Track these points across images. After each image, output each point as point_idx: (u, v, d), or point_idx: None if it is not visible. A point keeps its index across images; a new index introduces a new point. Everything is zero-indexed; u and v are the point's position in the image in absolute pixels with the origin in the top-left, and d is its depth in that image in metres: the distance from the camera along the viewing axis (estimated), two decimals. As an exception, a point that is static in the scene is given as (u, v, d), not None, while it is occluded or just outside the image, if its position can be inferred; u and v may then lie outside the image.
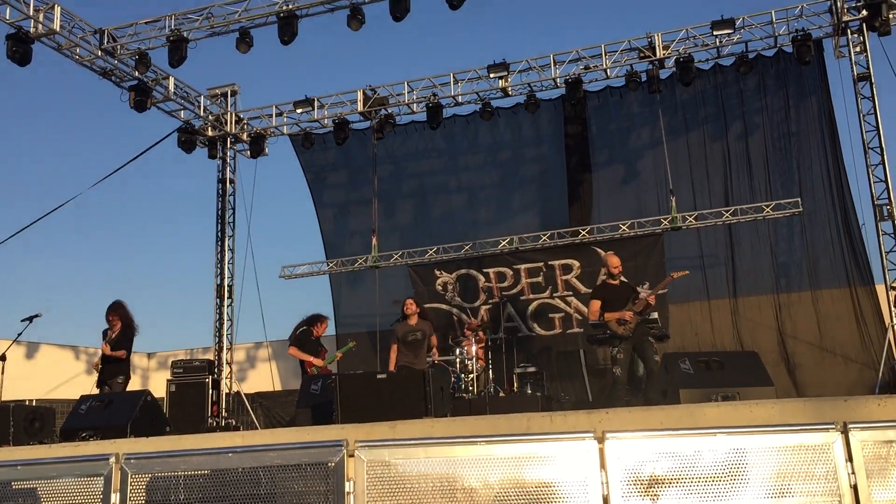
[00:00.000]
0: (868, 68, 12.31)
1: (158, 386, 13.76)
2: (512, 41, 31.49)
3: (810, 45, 12.23)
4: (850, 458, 3.91)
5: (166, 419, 9.07)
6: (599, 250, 13.95)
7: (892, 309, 11.39)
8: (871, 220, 12.11)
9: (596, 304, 9.28)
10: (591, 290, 10.67)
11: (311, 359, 10.51)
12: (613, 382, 9.03)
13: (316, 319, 10.95)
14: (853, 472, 3.90)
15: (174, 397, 12.19)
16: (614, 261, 9.43)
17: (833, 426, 3.98)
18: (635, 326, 8.98)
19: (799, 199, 12.72)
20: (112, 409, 7.74)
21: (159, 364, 18.04)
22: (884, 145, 12.05)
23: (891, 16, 11.65)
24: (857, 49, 12.40)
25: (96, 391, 9.70)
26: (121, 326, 9.80)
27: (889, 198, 11.90)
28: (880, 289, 12.37)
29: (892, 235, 11.85)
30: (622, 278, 9.56)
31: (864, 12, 11.87)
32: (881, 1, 11.51)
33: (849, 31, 12.39)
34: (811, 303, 13.16)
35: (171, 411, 11.84)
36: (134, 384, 17.65)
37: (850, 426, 3.97)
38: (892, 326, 11.19)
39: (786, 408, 4.71)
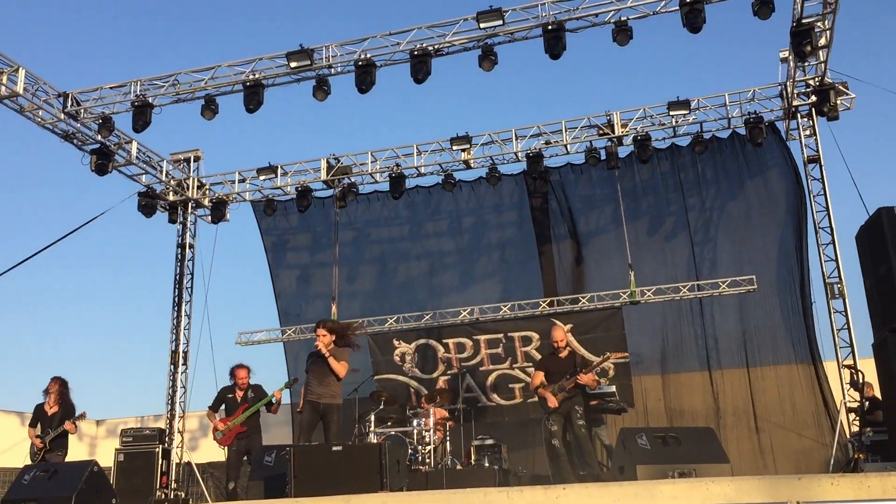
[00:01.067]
0: (817, 151, 12.77)
1: (107, 455, 13.33)
2: (474, 115, 32.16)
3: (762, 128, 12.65)
4: (803, 538, 3.92)
5: (113, 491, 8.76)
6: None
7: (844, 387, 11.55)
8: (823, 299, 12.40)
9: (539, 376, 9.88)
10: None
11: (215, 422, 10.20)
12: (554, 454, 9.38)
13: (231, 372, 10.42)
14: (807, 553, 3.90)
15: (122, 467, 11.78)
16: (557, 334, 10.09)
17: (787, 505, 4.00)
18: (562, 402, 9.57)
19: (753, 277, 12.99)
20: (56, 480, 7.48)
21: (108, 432, 17.56)
22: (833, 225, 12.42)
23: (838, 101, 12.14)
24: (807, 132, 12.89)
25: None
26: (62, 402, 9.94)
27: (839, 276, 12.21)
28: (829, 365, 12.58)
29: (843, 314, 12.12)
30: (569, 350, 9.98)
31: (813, 97, 12.36)
32: (829, 87, 12.00)
33: (798, 115, 12.88)
34: (767, 376, 13.32)
35: (118, 482, 11.43)
36: (81, 453, 17.19)
37: (804, 505, 3.98)
38: (845, 404, 11.33)
39: (741, 486, 4.71)
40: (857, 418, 10.32)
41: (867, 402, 10.56)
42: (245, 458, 10.15)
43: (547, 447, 10.22)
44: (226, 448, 10.26)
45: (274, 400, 10.24)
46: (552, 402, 9.55)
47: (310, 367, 8.70)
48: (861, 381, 10.26)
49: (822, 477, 4.85)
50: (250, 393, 10.25)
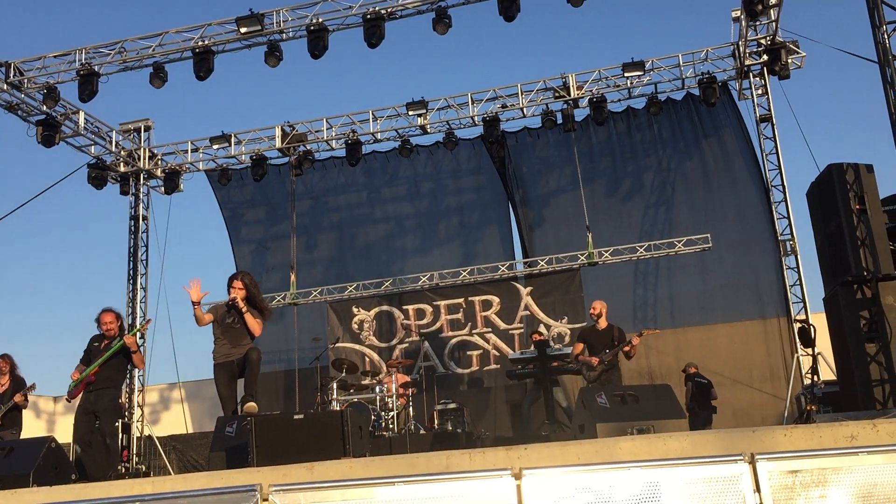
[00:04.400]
0: (769, 110, 12.94)
1: (65, 431, 13.16)
2: (430, 80, 31.90)
3: (715, 88, 12.75)
4: (757, 489, 4.01)
5: (72, 467, 8.65)
6: (518, 287, 14.17)
7: (797, 340, 11.82)
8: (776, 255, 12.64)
9: (579, 346, 9.88)
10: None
11: (74, 374, 8.02)
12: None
13: (97, 318, 8.23)
14: (761, 503, 3.99)
15: (81, 443, 11.63)
16: (595, 304, 9.97)
17: (741, 457, 4.08)
18: (601, 373, 9.53)
19: (708, 236, 13.16)
20: (13, 458, 7.32)
21: (66, 408, 17.29)
22: (785, 183, 12.63)
23: (789, 60, 12.27)
24: (759, 91, 13.03)
25: None
26: (11, 378, 9.48)
27: (791, 233, 12.44)
28: (783, 321, 12.86)
29: (795, 270, 12.36)
30: (607, 322, 9.87)
31: (765, 56, 12.47)
32: (780, 46, 12.12)
33: (751, 74, 13.00)
34: (724, 333, 13.56)
35: (78, 458, 11.30)
36: (39, 429, 16.95)
37: (758, 457, 4.07)
38: (798, 358, 11.61)
39: (697, 440, 4.79)
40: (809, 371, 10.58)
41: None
42: (96, 422, 7.95)
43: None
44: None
45: (130, 343, 7.99)
46: (594, 360, 9.56)
47: (222, 331, 7.64)
48: (812, 334, 10.49)
49: (775, 429, 4.95)
50: (117, 342, 8.10)
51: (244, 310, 7.51)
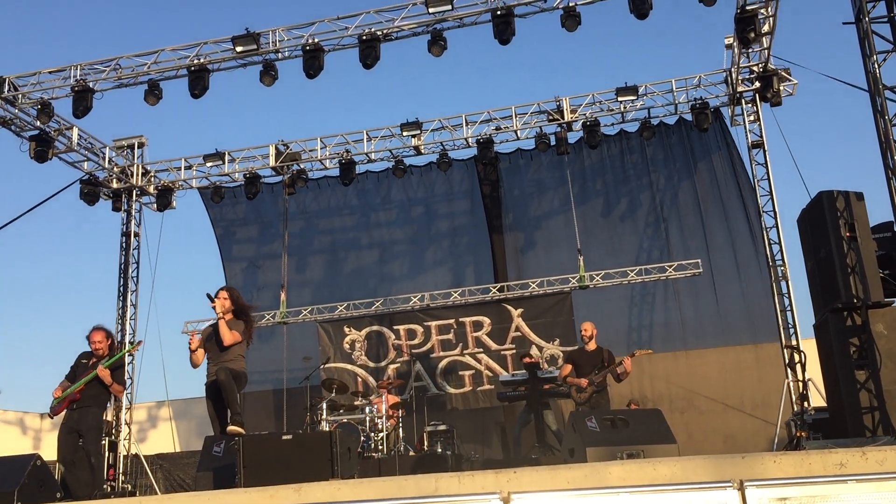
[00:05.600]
0: (761, 136, 13.03)
1: (52, 449, 13.03)
2: (424, 101, 32.07)
3: (707, 114, 12.85)
4: (746, 516, 4.00)
5: (57, 485, 8.56)
6: (509, 307, 14.19)
7: (788, 367, 11.83)
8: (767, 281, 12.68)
9: (567, 368, 9.82)
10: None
11: (56, 391, 7.94)
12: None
13: (87, 336, 8.19)
14: (750, 530, 3.98)
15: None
16: (585, 326, 9.97)
17: (730, 484, 4.07)
18: (592, 395, 9.47)
19: (699, 261, 13.21)
20: (-3, 475, 7.26)
21: (53, 425, 17.13)
22: (777, 209, 12.69)
23: (781, 87, 12.37)
24: (752, 118, 13.13)
25: None
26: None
27: (783, 259, 12.49)
28: (773, 346, 12.86)
29: (787, 296, 12.40)
30: (596, 344, 9.88)
31: (757, 84, 12.57)
32: (772, 73, 12.22)
33: (743, 101, 13.10)
34: (716, 358, 13.58)
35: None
36: (26, 447, 16.77)
37: (747, 483, 4.06)
38: (788, 384, 11.61)
39: (687, 465, 4.78)
40: (798, 397, 10.57)
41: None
42: (80, 440, 7.83)
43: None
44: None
45: (103, 376, 7.80)
46: (583, 382, 9.49)
47: (209, 351, 7.57)
48: (802, 361, 10.50)
49: (764, 455, 4.94)
50: (102, 363, 7.94)
51: (219, 315, 7.41)
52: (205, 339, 7.65)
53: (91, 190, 14.11)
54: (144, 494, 11.92)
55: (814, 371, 8.91)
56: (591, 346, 9.75)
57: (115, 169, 14.55)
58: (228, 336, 7.43)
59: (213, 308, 7.48)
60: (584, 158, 14.56)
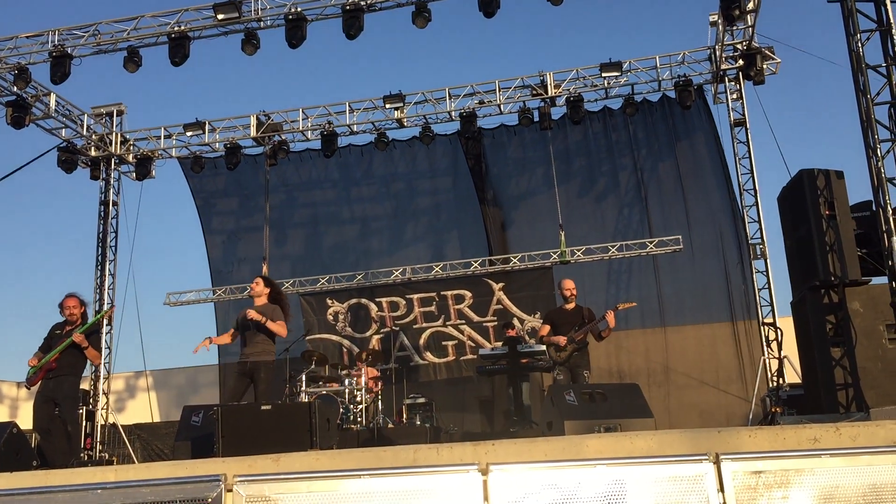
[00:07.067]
0: (744, 114, 13.05)
1: (28, 417, 12.96)
2: (408, 73, 31.82)
3: (691, 91, 12.83)
4: (721, 489, 4.04)
5: (34, 453, 8.53)
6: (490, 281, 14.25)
7: (764, 343, 11.95)
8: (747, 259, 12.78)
9: (545, 329, 9.49)
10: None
11: (32, 361, 7.78)
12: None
13: (60, 305, 8.03)
14: (724, 502, 4.03)
15: (44, 429, 11.46)
16: (567, 283, 9.51)
17: (706, 457, 4.11)
18: (572, 353, 9.11)
19: (679, 237, 13.27)
20: (-27, 443, 7.23)
21: (29, 394, 17.05)
22: (757, 187, 12.78)
23: (765, 66, 12.38)
24: (734, 96, 13.14)
25: None
26: None
27: (762, 237, 12.58)
28: (751, 323, 13.00)
29: (765, 273, 12.51)
30: (576, 303, 9.44)
31: (741, 62, 12.58)
32: (756, 52, 12.22)
33: (726, 78, 13.11)
34: (694, 334, 13.69)
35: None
36: (2, 415, 16.67)
37: (722, 457, 4.11)
38: (764, 360, 11.74)
39: (663, 439, 4.83)
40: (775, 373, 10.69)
41: None
42: (56, 409, 7.72)
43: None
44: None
45: (79, 340, 7.65)
46: (561, 340, 9.10)
47: (240, 326, 8.03)
48: (779, 338, 10.61)
49: (740, 430, 5.01)
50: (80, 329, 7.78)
51: (262, 321, 7.75)
52: (241, 325, 7.97)
53: (69, 157, 13.93)
54: (122, 464, 11.92)
55: (790, 348, 8.99)
56: (571, 305, 9.41)
57: (94, 137, 14.37)
58: (277, 328, 7.82)
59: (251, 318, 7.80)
60: (567, 135, 14.54)
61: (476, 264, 14.43)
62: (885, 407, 5.98)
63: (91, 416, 12.93)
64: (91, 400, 13.24)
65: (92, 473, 5.90)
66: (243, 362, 7.89)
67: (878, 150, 6.84)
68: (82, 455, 11.40)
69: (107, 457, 12.82)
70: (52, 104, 13.19)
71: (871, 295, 6.83)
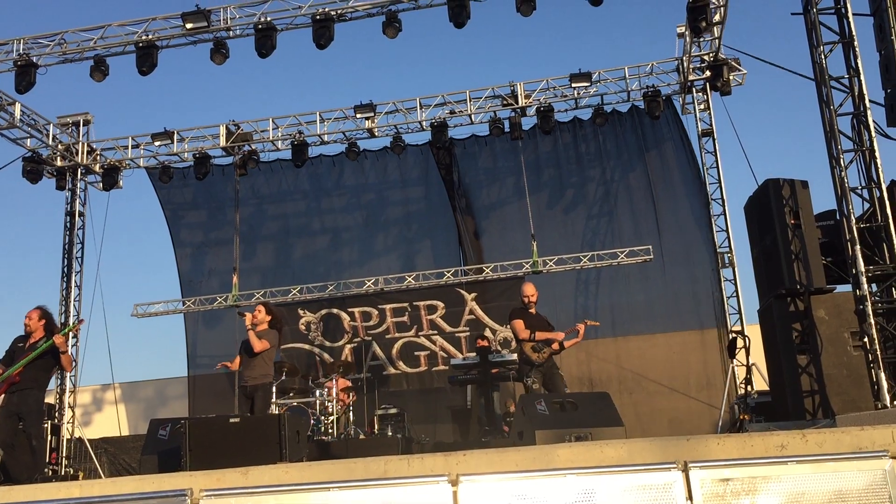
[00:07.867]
0: (711, 125, 13.22)
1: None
2: (379, 83, 31.81)
3: (660, 101, 12.96)
4: (690, 497, 4.06)
5: (-3, 469, 8.36)
6: (462, 292, 14.25)
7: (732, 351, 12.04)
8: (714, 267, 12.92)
9: (521, 323, 8.90)
10: (508, 315, 9.82)
11: None
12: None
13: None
14: (692, 510, 4.05)
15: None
16: (529, 289, 9.17)
17: (675, 465, 4.13)
18: (548, 357, 8.84)
19: (650, 247, 13.37)
20: (-66, 459, 7.08)
21: (-7, 408, 16.73)
22: (725, 197, 12.92)
23: (731, 77, 12.54)
24: (702, 107, 13.30)
25: None
26: None
27: (730, 246, 12.72)
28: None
29: (733, 282, 12.64)
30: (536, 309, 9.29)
31: (708, 73, 12.73)
32: (723, 63, 12.38)
33: (694, 89, 13.27)
34: (664, 341, 13.79)
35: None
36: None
37: (691, 465, 4.13)
38: (732, 368, 11.84)
39: (633, 447, 4.85)
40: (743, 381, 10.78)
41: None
42: (20, 424, 7.52)
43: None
44: None
45: (59, 343, 7.54)
46: (559, 335, 8.77)
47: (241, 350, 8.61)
48: (747, 346, 10.69)
49: (708, 437, 5.04)
50: (44, 342, 7.65)
51: (248, 328, 8.22)
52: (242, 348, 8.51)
53: (34, 168, 13.72)
54: (88, 478, 11.71)
55: (758, 356, 9.08)
56: (533, 310, 9.14)
57: (60, 146, 14.19)
58: (257, 344, 8.16)
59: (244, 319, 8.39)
60: (538, 145, 14.60)
61: (449, 274, 14.43)
62: (851, 413, 6.06)
63: (56, 430, 12.72)
64: (56, 414, 13.03)
65: (56, 489, 5.80)
66: (244, 386, 8.32)
67: (842, 160, 6.93)
68: (47, 470, 11.21)
69: (72, 472, 12.61)
70: (17, 114, 13.01)
71: (836, 303, 6.93)
